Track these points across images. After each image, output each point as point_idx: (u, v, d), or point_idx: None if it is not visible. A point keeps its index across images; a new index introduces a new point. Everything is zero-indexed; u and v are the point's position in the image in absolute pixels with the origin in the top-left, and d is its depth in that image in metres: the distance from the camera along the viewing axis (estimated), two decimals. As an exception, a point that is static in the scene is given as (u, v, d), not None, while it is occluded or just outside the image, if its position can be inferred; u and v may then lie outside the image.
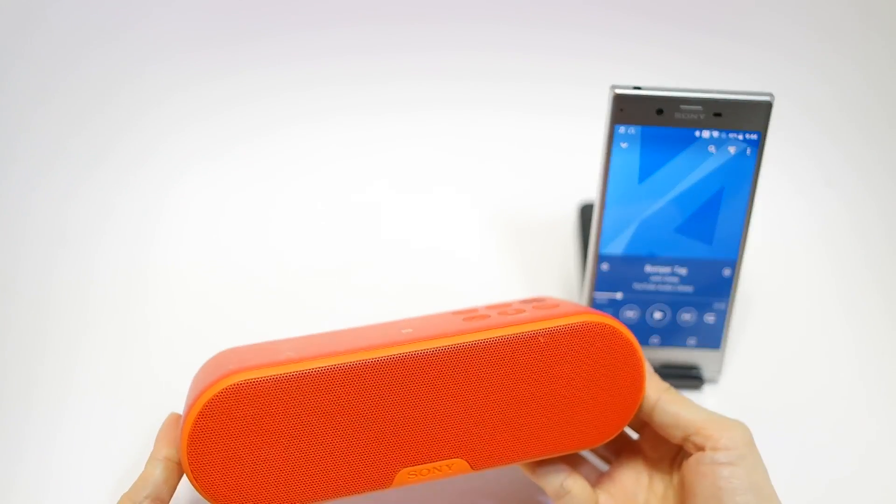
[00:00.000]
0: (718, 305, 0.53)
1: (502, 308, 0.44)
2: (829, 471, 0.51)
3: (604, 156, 0.49)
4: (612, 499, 0.44)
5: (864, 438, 0.53)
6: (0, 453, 0.51)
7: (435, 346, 0.39)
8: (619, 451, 0.47)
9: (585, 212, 0.64)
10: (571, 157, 0.69)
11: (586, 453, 0.48)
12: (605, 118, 0.48)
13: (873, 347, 0.59)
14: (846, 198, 0.69)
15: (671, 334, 0.54)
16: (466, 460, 0.40)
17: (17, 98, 0.67)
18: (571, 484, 0.43)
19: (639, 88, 0.47)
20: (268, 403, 0.37)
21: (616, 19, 0.72)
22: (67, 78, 0.68)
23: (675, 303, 0.53)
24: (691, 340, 0.54)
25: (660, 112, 0.48)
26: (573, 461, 0.46)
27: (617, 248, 0.51)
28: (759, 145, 0.48)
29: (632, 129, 0.48)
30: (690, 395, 0.54)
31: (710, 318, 0.53)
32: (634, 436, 0.47)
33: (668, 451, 0.45)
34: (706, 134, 0.48)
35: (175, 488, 0.40)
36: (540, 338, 0.40)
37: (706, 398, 0.55)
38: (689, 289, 0.52)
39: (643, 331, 0.53)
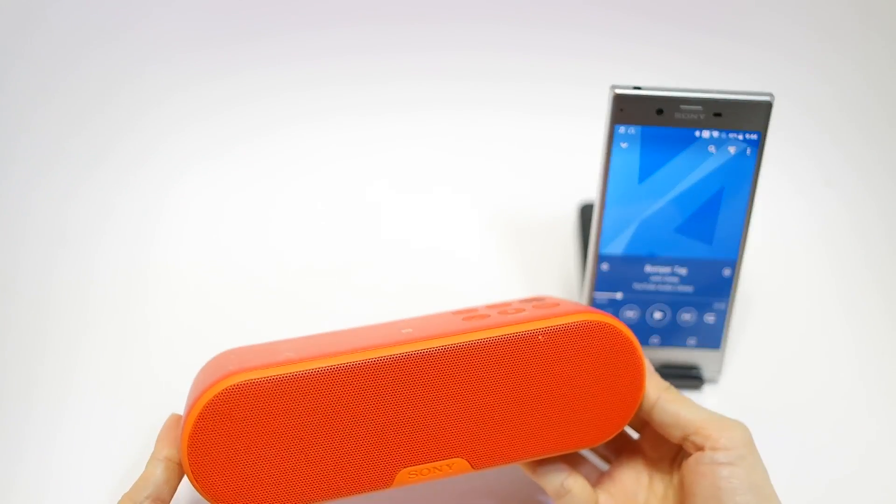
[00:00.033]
0: (718, 305, 0.53)
1: (502, 307, 0.44)
2: (829, 471, 0.51)
3: (604, 156, 0.49)
4: (612, 498, 0.45)
5: (864, 438, 0.53)
6: (0, 453, 0.51)
7: (435, 345, 0.39)
8: (619, 450, 0.47)
9: (585, 212, 0.64)
10: (571, 157, 0.69)
11: (586, 453, 0.48)
12: (605, 118, 0.48)
13: (873, 347, 0.59)
14: (846, 198, 0.69)
15: (671, 334, 0.54)
16: (467, 460, 0.40)
17: (17, 98, 0.67)
18: (572, 483, 0.43)
19: (639, 88, 0.47)
20: (268, 404, 0.37)
21: (616, 19, 0.72)
22: (67, 78, 0.68)
23: (675, 303, 0.53)
24: (691, 340, 0.54)
25: (660, 112, 0.48)
26: (573, 460, 0.46)
27: (617, 248, 0.51)
28: (759, 145, 0.48)
29: (632, 129, 0.48)
30: (690, 395, 0.54)
31: (710, 318, 0.53)
32: (635, 435, 0.47)
33: (668, 451, 0.45)
34: (706, 134, 0.48)
35: (176, 489, 0.40)
36: (540, 337, 0.40)
37: (706, 398, 0.55)
38: (689, 289, 0.52)
39: (643, 331, 0.53)
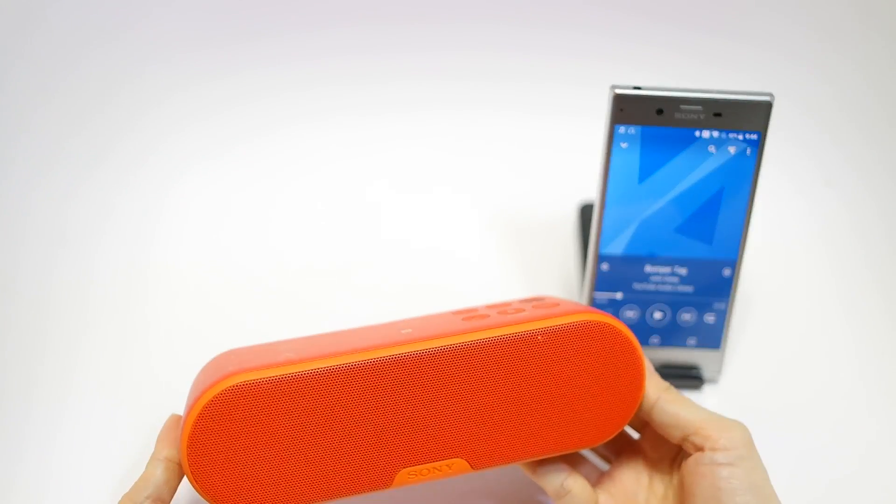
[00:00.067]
0: (718, 305, 0.53)
1: (502, 307, 0.44)
2: (829, 471, 0.51)
3: (604, 156, 0.49)
4: (612, 499, 0.45)
5: (864, 438, 0.53)
6: (0, 453, 0.51)
7: (434, 345, 0.39)
8: (619, 450, 0.47)
9: (585, 212, 0.64)
10: (571, 157, 0.69)
11: (587, 452, 0.48)
12: (605, 118, 0.48)
13: (873, 347, 0.59)
14: (846, 198, 0.69)
15: (671, 334, 0.54)
16: (466, 460, 0.40)
17: (17, 98, 0.67)
18: (572, 483, 0.43)
19: (639, 88, 0.47)
20: (268, 404, 0.37)
21: (616, 19, 0.72)
22: (67, 78, 0.68)
23: (675, 303, 0.53)
24: (691, 340, 0.54)
25: (660, 112, 0.48)
26: (573, 460, 0.46)
27: (617, 248, 0.51)
28: (759, 145, 0.48)
29: (632, 129, 0.48)
30: (690, 395, 0.54)
31: (710, 318, 0.53)
32: (635, 435, 0.47)
33: (668, 451, 0.45)
34: (706, 134, 0.48)
35: (175, 489, 0.40)
36: (539, 337, 0.40)
37: (706, 398, 0.55)
38: (689, 289, 0.52)
39: (643, 331, 0.53)
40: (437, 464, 0.40)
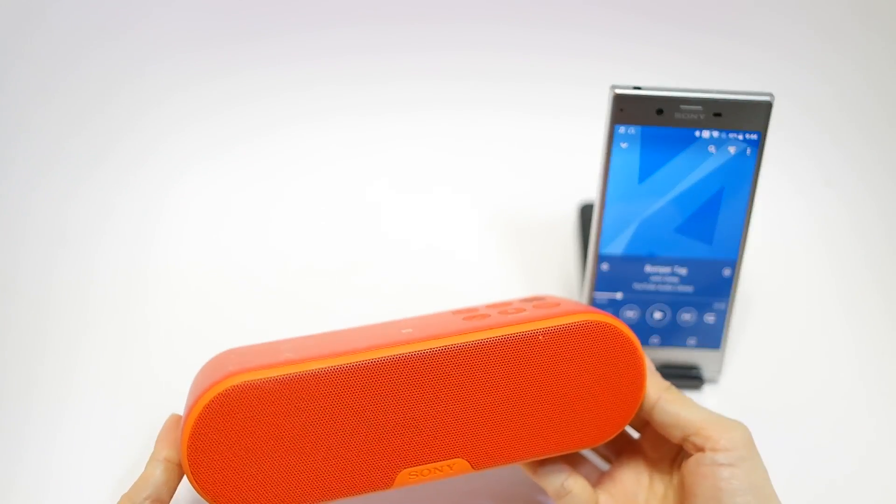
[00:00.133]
0: (718, 305, 0.53)
1: (502, 307, 0.44)
2: (829, 471, 0.51)
3: (604, 156, 0.49)
4: (612, 499, 0.45)
5: (864, 438, 0.53)
6: (0, 453, 0.51)
7: (435, 346, 0.39)
8: (619, 450, 0.47)
9: (585, 212, 0.64)
10: (571, 157, 0.69)
11: (587, 452, 0.48)
12: (605, 118, 0.48)
13: (873, 347, 0.59)
14: (846, 198, 0.69)
15: (671, 334, 0.54)
16: (467, 460, 0.40)
17: (17, 98, 0.67)
18: (572, 484, 0.43)
19: (639, 88, 0.47)
20: (268, 405, 0.37)
21: (616, 19, 0.72)
22: (67, 78, 0.68)
23: (675, 303, 0.53)
24: (691, 340, 0.54)
25: (660, 112, 0.48)
26: (574, 460, 0.46)
27: (617, 248, 0.51)
28: (759, 145, 0.48)
29: (632, 129, 0.48)
30: (690, 395, 0.54)
31: (710, 318, 0.53)
32: (635, 435, 0.47)
33: (668, 451, 0.45)
34: (706, 134, 0.48)
35: (175, 489, 0.40)
36: (540, 337, 0.40)
37: (706, 398, 0.55)
38: (689, 289, 0.52)
39: (643, 331, 0.53)
40: (437, 464, 0.40)
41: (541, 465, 0.43)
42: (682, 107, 0.48)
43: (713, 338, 0.54)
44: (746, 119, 0.48)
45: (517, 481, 0.49)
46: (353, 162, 0.71)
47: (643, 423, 0.46)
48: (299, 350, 0.40)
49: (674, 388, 0.43)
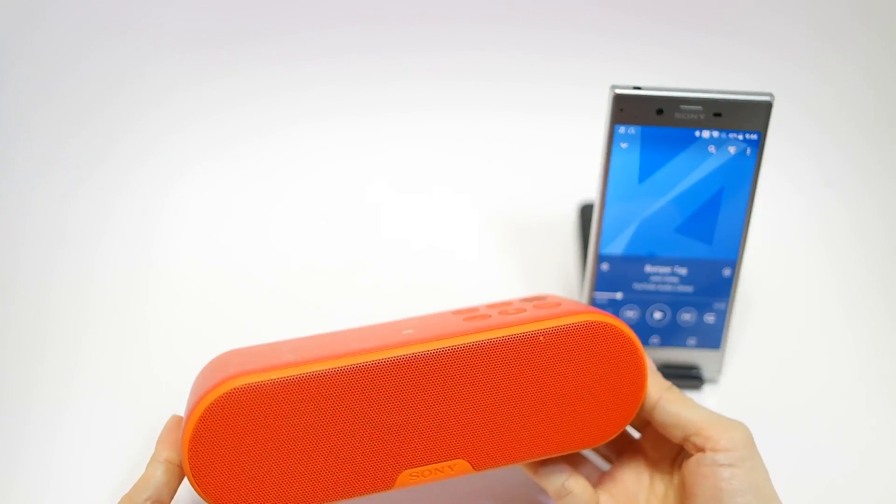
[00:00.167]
0: (718, 305, 0.53)
1: (503, 307, 0.44)
2: (829, 471, 0.51)
3: (604, 156, 0.49)
4: (612, 499, 0.45)
5: (864, 438, 0.53)
6: (0, 453, 0.51)
7: (436, 347, 0.39)
8: (620, 450, 0.47)
9: (585, 212, 0.64)
10: (571, 157, 0.69)
11: (587, 452, 0.48)
12: (605, 118, 0.48)
13: (873, 347, 0.59)
14: (846, 198, 0.69)
15: (671, 334, 0.54)
16: (468, 461, 0.40)
17: (17, 98, 0.67)
18: (573, 484, 0.43)
19: (639, 88, 0.47)
20: (269, 407, 0.37)
21: (616, 19, 0.72)
22: (67, 78, 0.68)
23: (675, 303, 0.53)
24: (691, 340, 0.54)
25: (660, 112, 0.48)
26: (574, 461, 0.46)
27: (617, 248, 0.51)
28: (759, 145, 0.48)
29: (632, 129, 0.48)
30: (691, 395, 0.54)
31: (710, 318, 0.53)
32: (636, 435, 0.47)
33: (669, 451, 0.45)
34: (706, 134, 0.48)
35: (175, 491, 0.40)
36: (541, 337, 0.40)
37: (706, 398, 0.55)
38: (689, 289, 0.52)
39: (643, 331, 0.53)
40: (438, 465, 0.40)
41: (541, 465, 0.43)
42: (682, 107, 0.48)
43: (713, 338, 0.54)
44: (746, 119, 0.48)
45: (518, 482, 0.49)
46: (353, 162, 0.71)
47: (644, 423, 0.46)
48: (300, 351, 0.40)
49: (675, 388, 0.43)
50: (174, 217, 0.67)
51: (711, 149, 0.48)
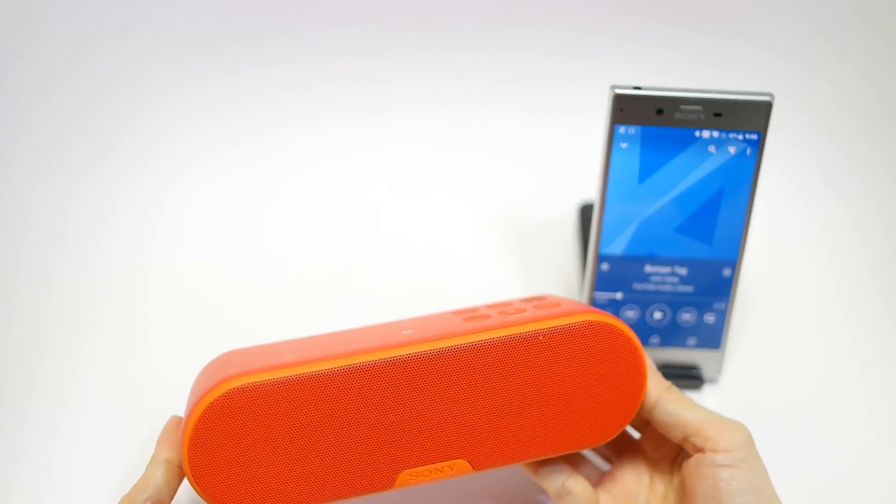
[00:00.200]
0: (718, 305, 0.53)
1: (503, 307, 0.44)
2: (829, 471, 0.51)
3: (604, 156, 0.49)
4: (612, 499, 0.45)
5: (864, 438, 0.53)
6: (0, 453, 0.51)
7: (436, 347, 0.39)
8: (620, 450, 0.47)
9: (585, 212, 0.64)
10: (571, 157, 0.69)
11: (587, 452, 0.48)
12: (605, 118, 0.48)
13: (873, 347, 0.59)
14: (846, 198, 0.69)
15: (671, 334, 0.54)
16: (468, 461, 0.40)
17: (17, 98, 0.67)
18: (573, 484, 0.43)
19: (639, 88, 0.47)
20: (268, 407, 0.37)
21: (616, 19, 0.72)
22: (67, 78, 0.68)
23: (675, 303, 0.53)
24: (691, 340, 0.54)
25: (660, 112, 0.48)
26: (574, 461, 0.46)
27: (617, 248, 0.51)
28: (759, 145, 0.48)
29: (632, 129, 0.48)
30: (690, 395, 0.54)
31: (710, 318, 0.53)
32: (636, 435, 0.47)
33: (669, 452, 0.45)
34: (706, 134, 0.48)
35: (175, 491, 0.40)
36: (540, 337, 0.40)
37: (706, 398, 0.55)
38: (689, 289, 0.52)
39: (643, 331, 0.53)
40: (438, 465, 0.40)
41: (541, 465, 0.43)
42: (682, 107, 0.48)
43: (713, 338, 0.54)
44: (746, 119, 0.48)
45: (518, 482, 0.49)
46: (353, 162, 0.71)
47: (644, 423, 0.46)
48: (300, 352, 0.40)
49: (675, 388, 0.43)
50: (174, 217, 0.67)
51: (711, 149, 0.48)
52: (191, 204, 0.67)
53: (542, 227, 0.66)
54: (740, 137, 0.48)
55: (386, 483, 0.39)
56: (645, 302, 0.53)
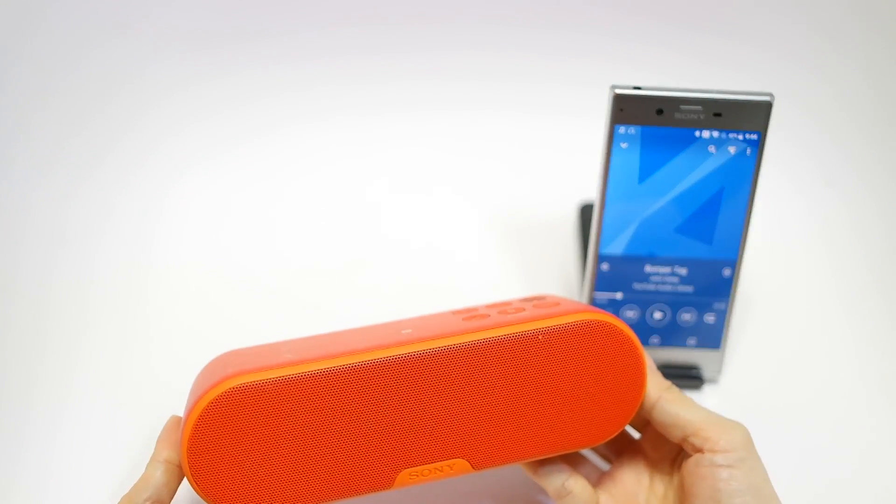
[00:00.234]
0: (718, 305, 0.53)
1: (502, 307, 0.44)
2: (829, 471, 0.51)
3: (604, 156, 0.49)
4: (612, 499, 0.45)
5: (864, 438, 0.53)
6: (0, 453, 0.51)
7: (435, 346, 0.39)
8: (620, 450, 0.47)
9: (585, 212, 0.64)
10: (571, 157, 0.69)
11: (587, 452, 0.48)
12: (605, 118, 0.48)
13: (873, 347, 0.59)
14: (846, 198, 0.69)
15: (671, 334, 0.54)
16: (468, 460, 0.40)
17: (17, 98, 0.67)
18: (573, 484, 0.43)
19: (639, 88, 0.47)
20: (268, 406, 0.37)
21: (616, 19, 0.72)
22: (67, 78, 0.68)
23: (675, 303, 0.53)
24: (691, 340, 0.54)
25: (660, 112, 0.48)
26: (574, 460, 0.46)
27: (617, 248, 0.51)
28: (759, 145, 0.48)
29: (632, 129, 0.48)
30: (690, 395, 0.54)
31: (710, 318, 0.53)
32: (636, 435, 0.47)
33: (668, 452, 0.45)
34: (706, 134, 0.48)
35: (175, 491, 0.40)
36: (539, 337, 0.40)
37: (706, 398, 0.55)
38: (689, 289, 0.52)
39: (643, 331, 0.53)
40: (438, 464, 0.40)
41: (541, 465, 0.43)
42: (682, 107, 0.48)
43: (713, 338, 0.54)
44: (746, 119, 0.48)
45: (517, 481, 0.49)
46: (353, 162, 0.71)
47: (644, 422, 0.46)
48: (299, 351, 0.40)
49: (674, 388, 0.43)
50: (174, 217, 0.67)
51: (711, 149, 0.48)
52: (191, 204, 0.67)
53: (542, 227, 0.66)
54: (740, 137, 0.48)
55: (385, 483, 0.39)
56: (645, 302, 0.53)
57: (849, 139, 0.72)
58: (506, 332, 0.39)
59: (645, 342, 0.54)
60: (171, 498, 0.39)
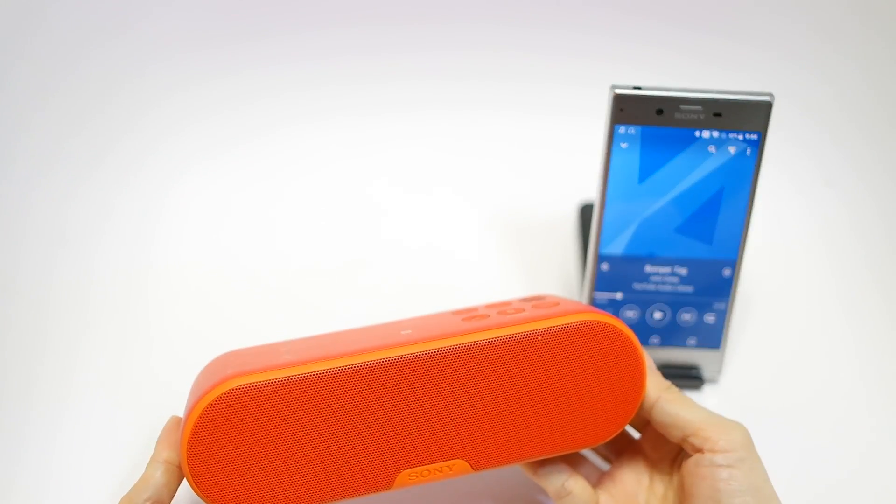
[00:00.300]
0: (718, 305, 0.53)
1: (502, 307, 0.44)
2: (829, 471, 0.51)
3: (604, 156, 0.49)
4: (612, 499, 0.45)
5: (864, 438, 0.53)
6: (0, 453, 0.51)
7: (434, 347, 0.39)
8: (620, 450, 0.47)
9: (585, 212, 0.64)
10: (571, 157, 0.69)
11: (587, 452, 0.48)
12: (605, 118, 0.48)
13: (873, 347, 0.59)
14: (846, 198, 0.69)
15: (671, 334, 0.54)
16: (467, 461, 0.40)
17: (17, 98, 0.67)
18: (573, 484, 0.43)
19: (639, 88, 0.47)
20: (267, 407, 0.37)
21: (616, 19, 0.72)
22: (67, 78, 0.68)
23: (675, 303, 0.53)
24: (691, 340, 0.54)
25: (660, 112, 0.48)
26: (574, 461, 0.46)
27: (617, 248, 0.51)
28: (759, 145, 0.48)
29: (632, 129, 0.48)
30: (690, 395, 0.54)
31: (710, 318, 0.53)
32: (636, 435, 0.47)
33: (668, 452, 0.45)
34: (706, 134, 0.48)
35: (175, 491, 0.40)
36: (539, 337, 0.40)
37: (706, 398, 0.55)
38: (689, 289, 0.52)
39: (643, 331, 0.53)
40: (437, 465, 0.40)
41: (541, 465, 0.43)
42: (682, 107, 0.48)
43: (713, 338, 0.54)
44: (746, 119, 0.48)
45: (518, 482, 0.49)
46: (353, 162, 0.71)
47: (644, 422, 0.46)
48: (299, 352, 0.40)
49: (674, 388, 0.43)
50: (174, 217, 0.67)
51: (711, 149, 0.48)
52: (191, 204, 0.68)
53: (542, 227, 0.66)
54: (740, 137, 0.48)
55: (385, 483, 0.39)
56: (645, 302, 0.53)
57: (849, 139, 0.72)
58: (505, 333, 0.39)
59: (645, 342, 0.54)
60: (171, 498, 0.39)
